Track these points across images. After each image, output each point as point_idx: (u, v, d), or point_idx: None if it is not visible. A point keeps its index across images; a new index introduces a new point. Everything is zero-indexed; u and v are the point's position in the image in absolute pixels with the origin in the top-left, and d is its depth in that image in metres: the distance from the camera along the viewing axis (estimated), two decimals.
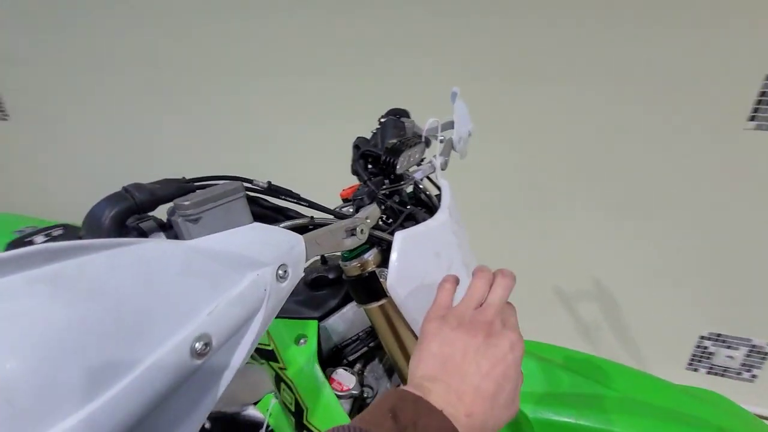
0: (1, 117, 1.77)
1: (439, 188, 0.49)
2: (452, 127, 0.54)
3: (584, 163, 1.00)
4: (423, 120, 0.52)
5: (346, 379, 0.48)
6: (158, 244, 0.20)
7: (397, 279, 0.37)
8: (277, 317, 0.55)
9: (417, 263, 0.39)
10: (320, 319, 0.52)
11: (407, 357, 0.42)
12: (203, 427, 0.61)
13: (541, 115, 0.99)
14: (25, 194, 1.91)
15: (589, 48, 0.90)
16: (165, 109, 1.39)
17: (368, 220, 0.37)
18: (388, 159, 0.40)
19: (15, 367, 0.13)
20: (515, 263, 0.43)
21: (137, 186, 0.26)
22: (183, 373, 0.18)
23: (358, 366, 0.53)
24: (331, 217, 0.36)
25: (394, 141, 0.43)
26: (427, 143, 0.52)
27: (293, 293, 0.50)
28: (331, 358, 0.53)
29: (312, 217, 0.35)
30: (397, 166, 0.41)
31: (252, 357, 0.54)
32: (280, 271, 0.25)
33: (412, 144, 0.44)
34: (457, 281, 0.36)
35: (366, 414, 0.26)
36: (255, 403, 0.62)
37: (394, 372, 0.53)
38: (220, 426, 0.64)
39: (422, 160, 0.51)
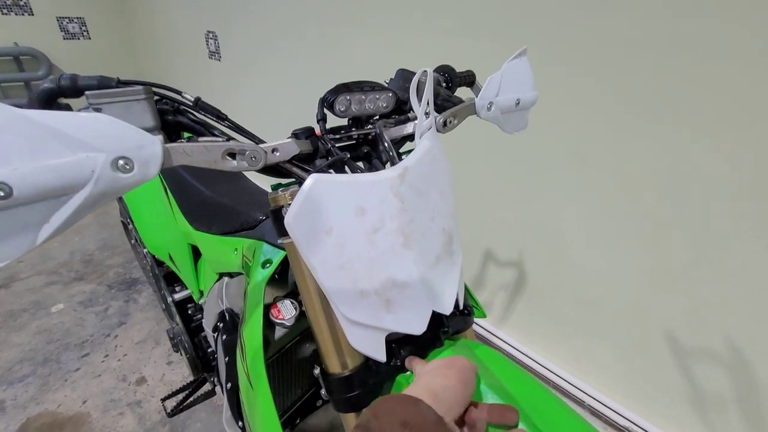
0: (216, 59, 2.30)
1: None
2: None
3: None
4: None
5: (286, 309, 0.51)
6: None
7: (293, 218, 0.36)
8: (258, 239, 0.61)
9: (326, 209, 0.37)
10: None
11: (310, 300, 0.41)
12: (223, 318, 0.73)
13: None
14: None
15: None
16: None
17: (276, 153, 0.37)
18: (327, 98, 0.38)
19: None
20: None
21: (69, 75, 0.33)
22: None
23: None
24: (247, 141, 0.37)
25: (348, 82, 0.40)
26: (420, 98, 0.46)
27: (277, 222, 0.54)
28: (294, 290, 0.56)
29: (228, 138, 0.37)
30: (336, 106, 0.38)
31: (244, 270, 0.62)
32: (120, 162, 0.29)
33: (368, 89, 0.40)
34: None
35: (376, 417, 0.29)
36: None
37: None
38: (232, 320, 0.76)
39: (402, 113, 0.46)
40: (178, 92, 0.36)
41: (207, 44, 2.30)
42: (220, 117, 0.37)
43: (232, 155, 0.35)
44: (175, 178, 0.98)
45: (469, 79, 0.62)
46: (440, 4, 1.11)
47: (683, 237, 0.87)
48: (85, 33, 2.92)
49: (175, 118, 0.36)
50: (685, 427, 0.99)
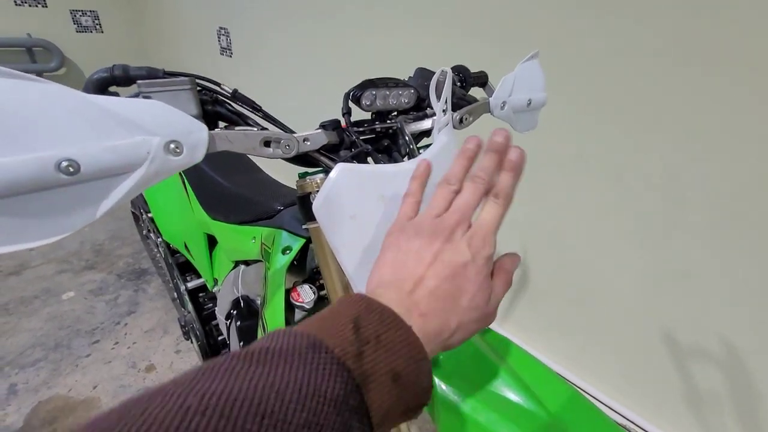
0: (228, 55, 2.33)
1: None
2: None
3: None
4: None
5: (305, 293, 0.54)
6: (60, 87, 0.28)
7: (321, 204, 0.39)
8: (277, 228, 0.64)
9: (351, 197, 0.40)
10: (311, 240, 0.58)
11: (331, 282, 0.44)
12: (240, 308, 0.76)
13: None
14: None
15: None
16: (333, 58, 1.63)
17: (307, 142, 0.39)
18: (354, 92, 0.41)
19: None
20: None
21: (121, 65, 0.36)
22: (48, 179, 0.27)
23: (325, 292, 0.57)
24: (279, 130, 0.40)
25: (373, 78, 0.42)
26: (438, 96, 0.49)
27: (298, 211, 0.57)
28: (312, 276, 0.59)
29: (263, 128, 0.40)
30: (362, 101, 0.41)
31: (263, 257, 0.65)
32: (171, 145, 0.31)
33: (393, 85, 0.43)
34: (420, 194, 0.35)
35: (321, 320, 0.24)
36: None
37: None
38: (248, 307, 0.79)
39: (420, 110, 0.49)
40: (218, 84, 0.39)
41: (219, 40, 2.33)
42: (255, 108, 0.40)
43: (268, 143, 0.37)
44: (192, 169, 1.01)
45: (481, 80, 0.64)
46: (449, 5, 1.13)
47: (685, 238, 0.89)
48: (97, 26, 2.96)
49: (213, 108, 0.39)
50: (682, 426, 1.02)
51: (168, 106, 0.31)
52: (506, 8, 1.02)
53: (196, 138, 0.33)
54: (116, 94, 0.36)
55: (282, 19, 1.82)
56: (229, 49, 2.28)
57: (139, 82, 0.35)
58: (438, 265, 0.27)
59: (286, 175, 1.09)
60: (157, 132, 0.31)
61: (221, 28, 2.27)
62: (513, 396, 0.39)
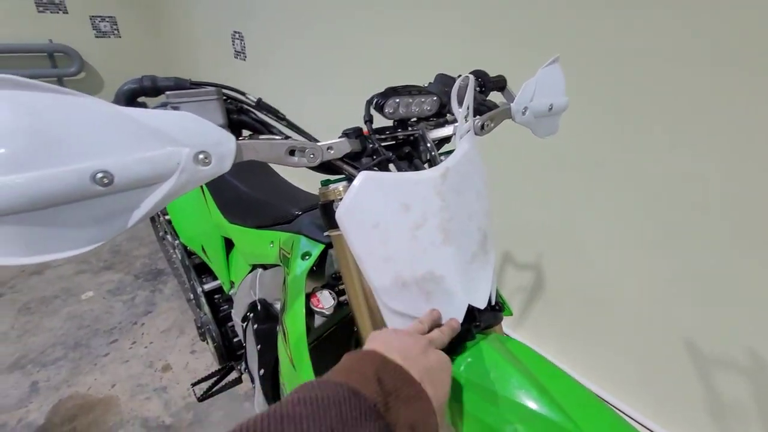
0: (242, 58, 2.36)
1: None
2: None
3: None
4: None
5: (325, 299, 0.54)
6: (94, 100, 0.28)
7: (344, 212, 0.39)
8: (296, 233, 0.64)
9: (373, 205, 0.40)
10: (330, 245, 0.58)
11: (353, 289, 0.44)
12: (257, 310, 0.77)
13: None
14: None
15: None
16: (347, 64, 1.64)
17: (331, 151, 0.39)
18: (377, 100, 0.41)
19: None
20: None
21: (149, 77, 0.37)
22: (83, 190, 0.27)
23: (346, 297, 0.57)
24: (304, 139, 0.40)
25: (395, 86, 0.42)
26: (460, 102, 0.49)
27: (317, 217, 0.58)
28: (331, 282, 0.59)
29: (287, 137, 0.40)
30: (386, 109, 0.41)
31: (282, 262, 0.65)
32: (200, 156, 0.32)
33: (416, 93, 0.42)
34: (423, 332, 0.39)
35: (348, 372, 0.28)
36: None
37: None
38: (265, 310, 0.79)
39: (441, 116, 0.48)
40: (243, 93, 0.40)
41: (233, 44, 2.36)
42: (279, 117, 0.40)
43: (293, 152, 0.38)
44: None
45: (500, 84, 0.64)
46: (464, 9, 1.13)
47: (704, 243, 0.87)
48: (115, 31, 3.02)
49: (238, 117, 0.39)
50: None
51: (197, 117, 0.32)
52: (522, 10, 1.01)
53: (225, 148, 0.33)
54: (144, 105, 0.37)
55: (295, 22, 1.83)
56: (243, 53, 2.31)
57: (167, 93, 0.35)
58: (429, 354, 0.34)
59: (300, 178, 1.10)
60: (187, 143, 0.31)
61: (235, 32, 2.30)
62: (538, 407, 0.39)
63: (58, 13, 2.79)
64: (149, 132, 0.30)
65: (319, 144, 0.39)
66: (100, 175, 0.28)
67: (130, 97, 0.36)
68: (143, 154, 0.30)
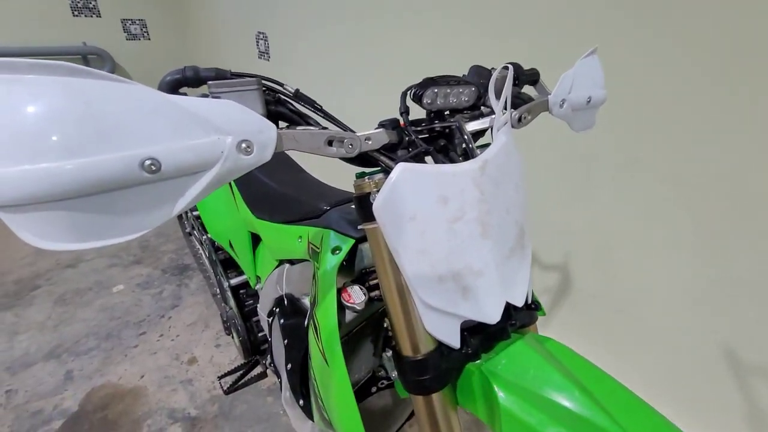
0: (266, 59, 2.39)
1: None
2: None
3: None
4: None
5: (356, 294, 0.53)
6: (143, 88, 0.29)
7: (381, 205, 0.38)
8: (325, 228, 0.64)
9: (411, 198, 0.39)
10: (360, 240, 0.58)
11: (388, 284, 0.43)
12: (283, 305, 0.77)
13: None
14: None
15: None
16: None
17: (369, 141, 0.39)
18: (415, 90, 0.40)
19: (32, 116, 0.24)
20: None
21: (192, 67, 0.37)
22: (132, 177, 0.28)
23: (376, 292, 0.57)
24: (341, 130, 0.40)
25: (434, 76, 0.41)
26: (497, 94, 0.47)
27: (346, 212, 0.57)
28: (361, 277, 0.59)
29: (325, 127, 0.40)
30: (424, 99, 0.40)
31: (311, 257, 0.65)
32: (243, 144, 0.32)
33: (454, 83, 0.41)
34: None
35: None
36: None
37: None
38: (292, 305, 0.79)
39: (476, 108, 0.47)
40: (281, 84, 0.39)
41: (257, 45, 2.39)
42: (316, 107, 0.40)
43: (332, 142, 0.37)
44: None
45: (533, 77, 0.62)
46: (486, 7, 1.11)
47: (745, 250, 0.82)
48: (145, 34, 3.12)
49: (276, 108, 0.39)
50: None
51: (241, 105, 0.32)
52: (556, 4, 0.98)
53: (266, 137, 0.33)
54: (185, 95, 0.37)
55: (318, 22, 1.84)
56: (267, 53, 2.34)
57: (209, 83, 0.35)
58: None
59: (319, 174, 1.10)
60: (231, 131, 0.31)
61: (259, 32, 2.33)
62: (581, 410, 0.37)
63: (91, 17, 2.90)
64: (195, 120, 0.30)
65: (357, 134, 0.38)
66: (148, 162, 0.28)
67: (173, 87, 0.36)
68: (189, 141, 0.30)
